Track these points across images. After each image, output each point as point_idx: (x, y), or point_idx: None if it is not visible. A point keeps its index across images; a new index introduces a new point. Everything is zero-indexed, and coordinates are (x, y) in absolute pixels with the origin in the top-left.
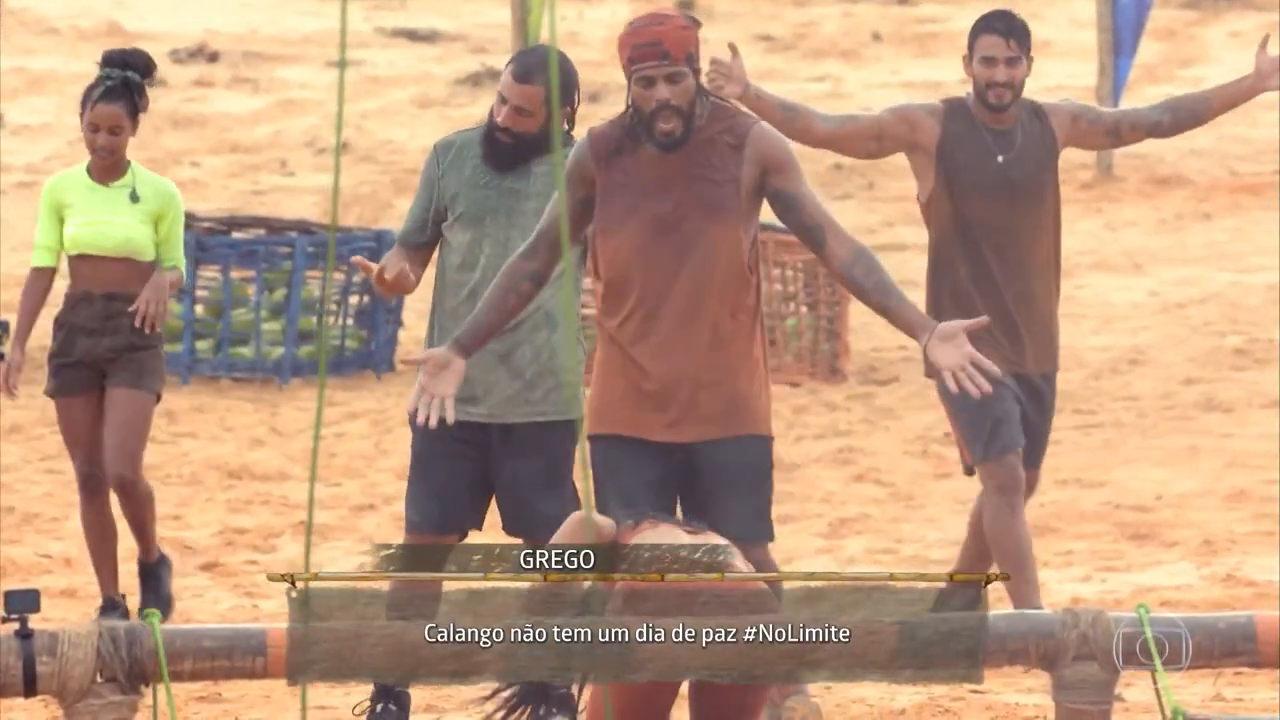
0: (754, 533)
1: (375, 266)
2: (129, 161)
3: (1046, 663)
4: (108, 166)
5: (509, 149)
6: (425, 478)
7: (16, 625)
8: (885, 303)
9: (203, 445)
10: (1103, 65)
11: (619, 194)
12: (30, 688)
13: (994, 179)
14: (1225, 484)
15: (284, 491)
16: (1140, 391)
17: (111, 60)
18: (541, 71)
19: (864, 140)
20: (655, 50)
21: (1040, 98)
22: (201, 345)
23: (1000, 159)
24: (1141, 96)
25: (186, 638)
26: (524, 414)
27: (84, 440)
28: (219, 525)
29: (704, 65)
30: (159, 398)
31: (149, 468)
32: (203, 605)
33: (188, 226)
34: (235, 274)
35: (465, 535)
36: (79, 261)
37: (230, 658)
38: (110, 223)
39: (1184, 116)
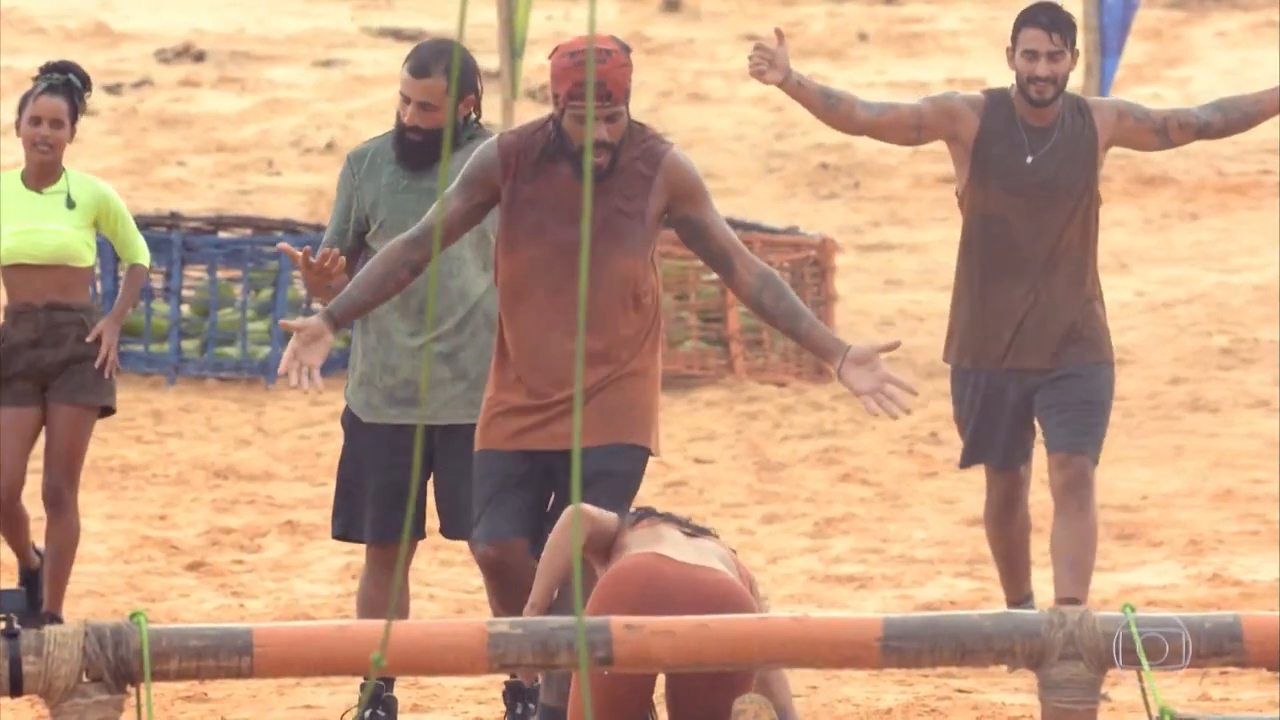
0: None
1: (300, 252)
2: (64, 168)
3: (1032, 662)
4: (46, 166)
5: (421, 147)
6: (365, 484)
7: (2, 625)
8: (795, 327)
9: (189, 445)
10: (1089, 65)
11: (526, 210)
12: (16, 687)
13: (1021, 178)
14: (1211, 484)
15: (270, 491)
16: (1126, 391)
17: (52, 67)
18: (438, 63)
19: (904, 129)
20: (598, 92)
21: (1090, 96)
22: (188, 345)
23: (1029, 159)
24: (1128, 96)
25: (173, 637)
26: (468, 415)
27: (5, 459)
28: (205, 525)
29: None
30: (106, 409)
31: (135, 467)
32: (189, 605)
33: (174, 226)
34: (221, 274)
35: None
36: (13, 271)
37: (216, 657)
38: (43, 230)
39: (1235, 117)
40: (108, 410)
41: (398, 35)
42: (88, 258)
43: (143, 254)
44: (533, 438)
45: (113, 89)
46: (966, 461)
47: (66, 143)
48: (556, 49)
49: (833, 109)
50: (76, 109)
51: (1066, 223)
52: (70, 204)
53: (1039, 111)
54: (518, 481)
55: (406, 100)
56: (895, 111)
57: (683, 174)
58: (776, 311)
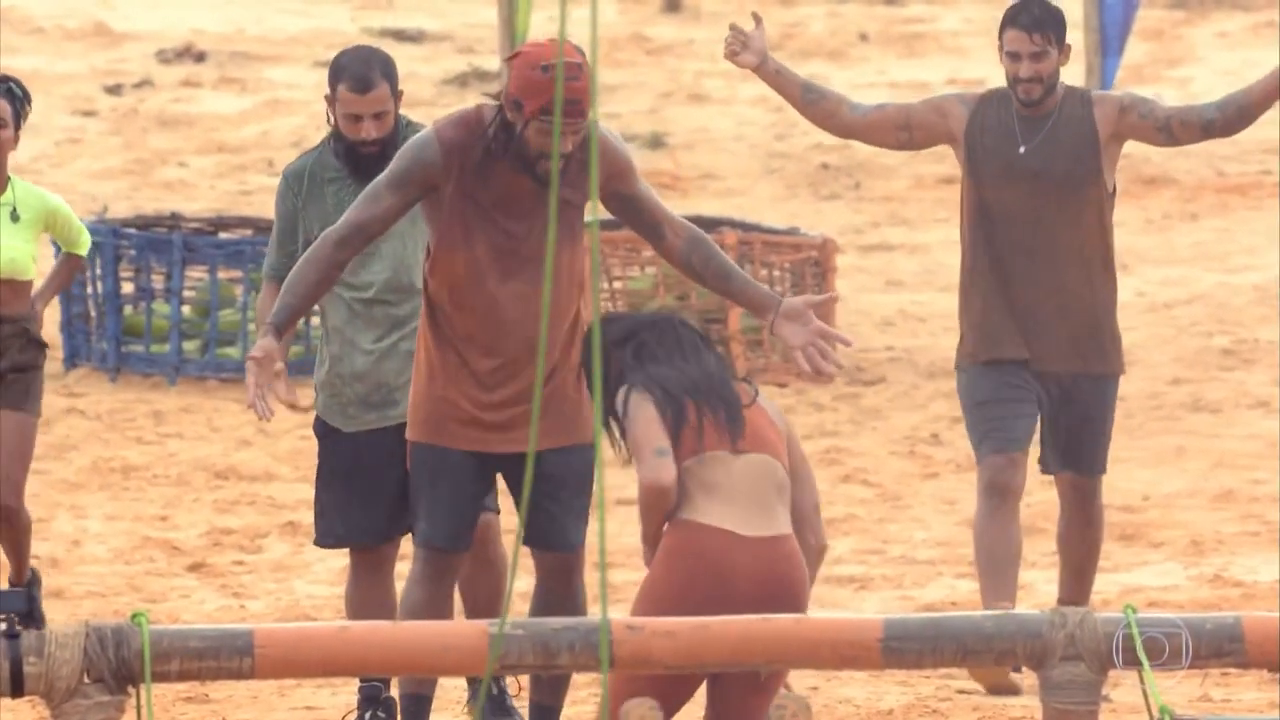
0: (578, 537)
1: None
2: (9, 176)
3: (1034, 662)
4: None
5: (378, 159)
6: (350, 488)
7: (3, 626)
8: (728, 287)
9: (190, 445)
10: (1090, 65)
11: (468, 208)
12: (17, 688)
13: (1014, 168)
14: (1212, 484)
15: (271, 492)
16: (1127, 392)
17: None
18: (374, 71)
19: (892, 130)
20: (575, 109)
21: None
22: (189, 346)
23: (1022, 149)
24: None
25: (174, 638)
26: None
27: None
28: (206, 525)
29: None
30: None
31: (136, 468)
32: (189, 605)
33: (174, 227)
34: (222, 274)
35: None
36: None
37: (217, 658)
38: None
39: (1231, 114)
40: None
41: (398, 36)
42: (31, 271)
43: (85, 245)
44: (495, 441)
45: (113, 89)
46: (994, 447)
47: (10, 148)
48: (519, 55)
49: (813, 104)
50: (19, 115)
51: (1069, 216)
52: (15, 217)
53: (1032, 108)
54: (474, 486)
55: (356, 118)
56: (883, 113)
57: (614, 152)
58: (707, 272)
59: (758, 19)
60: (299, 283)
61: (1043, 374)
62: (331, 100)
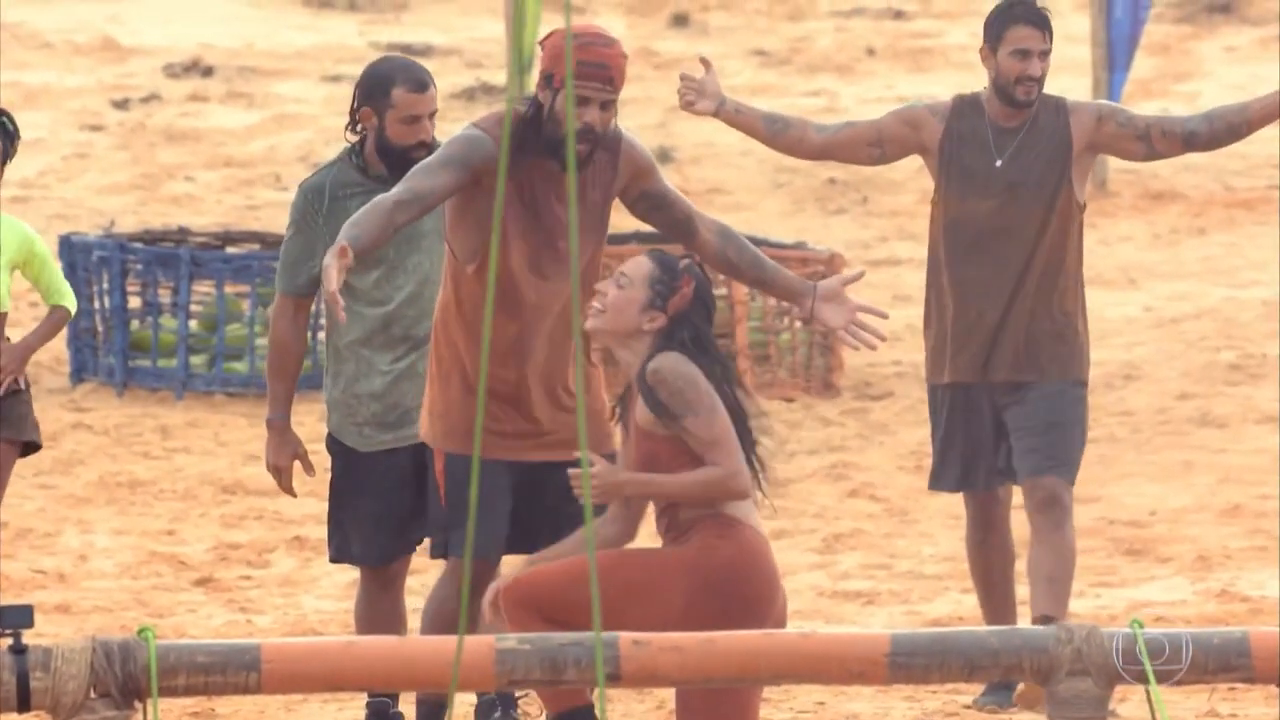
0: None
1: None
2: None
3: (1040, 678)
4: None
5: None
6: (364, 507)
7: (10, 640)
8: (761, 276)
9: (197, 460)
10: (1097, 80)
11: (525, 199)
12: (24, 703)
13: (990, 180)
14: (1220, 499)
15: (278, 507)
16: (1135, 407)
17: None
18: (420, 70)
19: (863, 146)
20: (603, 74)
21: (1072, 97)
22: (195, 360)
23: (999, 162)
24: (1135, 110)
25: (180, 653)
26: None
27: None
28: (213, 540)
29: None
30: (33, 445)
31: (143, 483)
32: (196, 620)
33: (181, 241)
34: (229, 289)
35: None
36: None
37: (224, 673)
38: None
39: (1220, 128)
40: (31, 446)
41: (406, 50)
42: (5, 304)
43: (69, 298)
44: (531, 450)
45: (120, 104)
46: (933, 484)
47: None
48: (552, 34)
49: (780, 134)
50: (8, 152)
51: (1041, 228)
52: None
53: (1012, 112)
54: (506, 496)
55: (415, 119)
56: (852, 130)
57: (638, 151)
58: (742, 263)
59: (706, 64)
60: (367, 228)
61: (999, 386)
62: (373, 112)
